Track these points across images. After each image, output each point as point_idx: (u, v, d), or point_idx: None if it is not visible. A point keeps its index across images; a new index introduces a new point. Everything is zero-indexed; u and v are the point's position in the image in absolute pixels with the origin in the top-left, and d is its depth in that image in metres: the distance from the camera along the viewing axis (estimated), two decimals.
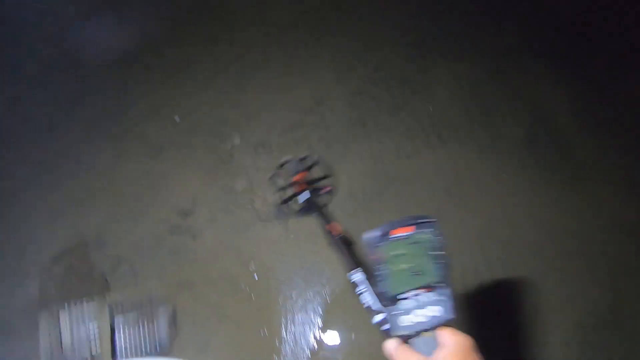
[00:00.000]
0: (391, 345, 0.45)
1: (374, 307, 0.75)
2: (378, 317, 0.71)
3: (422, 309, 0.44)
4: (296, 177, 1.59)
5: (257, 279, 1.53)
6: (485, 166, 1.74)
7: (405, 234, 0.44)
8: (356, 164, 1.77)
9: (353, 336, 1.41)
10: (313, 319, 1.46)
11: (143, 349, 1.31)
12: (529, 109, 1.89)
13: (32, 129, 2.00)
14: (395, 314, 0.44)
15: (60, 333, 1.26)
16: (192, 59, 2.14)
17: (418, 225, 0.45)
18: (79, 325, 1.29)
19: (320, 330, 1.45)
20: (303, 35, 2.18)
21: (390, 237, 0.45)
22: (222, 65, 2.13)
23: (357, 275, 0.90)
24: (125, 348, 1.32)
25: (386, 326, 0.61)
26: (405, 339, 0.44)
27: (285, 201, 1.60)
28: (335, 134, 1.87)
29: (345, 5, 2.28)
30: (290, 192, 1.61)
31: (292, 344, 1.42)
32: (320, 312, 1.47)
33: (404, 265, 0.44)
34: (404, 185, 1.70)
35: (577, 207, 1.64)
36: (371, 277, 0.43)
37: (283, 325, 1.45)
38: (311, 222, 1.63)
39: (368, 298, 0.79)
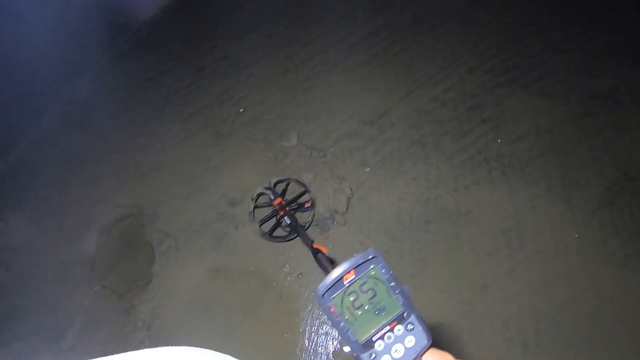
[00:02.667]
0: None
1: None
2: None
3: (398, 343, 0.42)
4: (275, 203, 1.59)
5: (289, 281, 1.55)
6: (553, 216, 1.59)
7: (351, 278, 0.42)
8: (409, 185, 1.71)
9: None
10: (336, 334, 1.44)
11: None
12: (615, 162, 1.69)
13: (111, 102, 2.19)
14: (373, 358, 0.42)
15: None
16: (265, 54, 2.21)
17: (358, 267, 0.43)
18: None
19: (340, 345, 1.42)
20: (378, 47, 2.15)
21: (345, 282, 0.42)
22: (293, 64, 2.17)
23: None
24: None
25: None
26: None
27: (271, 231, 1.59)
28: (391, 150, 1.82)
29: (428, 21, 2.21)
30: (272, 220, 1.61)
31: (312, 353, 1.42)
32: None
33: (365, 307, 0.42)
34: (455, 217, 1.61)
35: None
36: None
37: (307, 333, 1.45)
38: (351, 235, 1.61)
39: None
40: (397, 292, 0.43)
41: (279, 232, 1.61)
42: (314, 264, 1.56)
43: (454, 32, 2.17)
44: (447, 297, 1.45)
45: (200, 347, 1.48)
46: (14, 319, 1.61)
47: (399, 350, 0.43)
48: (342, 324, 0.42)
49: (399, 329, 0.43)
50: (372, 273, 0.43)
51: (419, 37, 2.16)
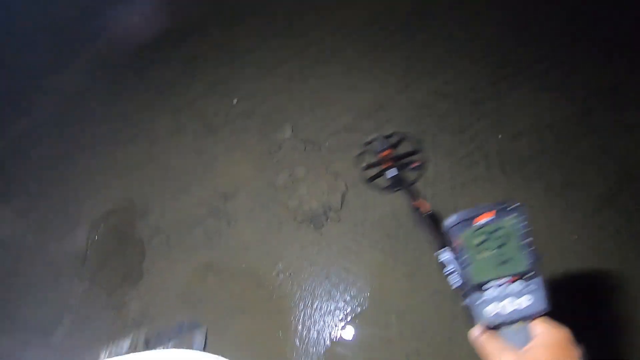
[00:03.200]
0: (478, 333, 0.43)
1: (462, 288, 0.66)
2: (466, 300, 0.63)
3: (513, 298, 0.41)
4: (383, 154, 1.60)
5: (281, 280, 1.52)
6: (551, 216, 1.55)
7: (487, 219, 0.41)
8: None
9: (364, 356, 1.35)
10: (328, 334, 1.43)
11: None
12: (616, 161, 1.64)
13: (100, 93, 2.13)
14: (480, 303, 0.41)
15: None
16: (260, 44, 2.14)
17: (501, 210, 0.41)
18: None
19: (333, 344, 1.41)
20: (377, 37, 2.07)
21: (474, 224, 0.42)
22: (288, 55, 2.10)
23: (445, 255, 0.82)
24: None
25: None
26: (494, 328, 0.42)
27: (373, 178, 1.61)
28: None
29: (427, 12, 2.13)
30: (377, 169, 1.63)
31: (303, 352, 1.40)
32: (337, 327, 1.43)
33: (488, 253, 0.41)
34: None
35: None
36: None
37: (298, 333, 1.43)
38: (345, 233, 1.58)
39: (456, 279, 0.73)
40: (529, 249, 0.41)
41: (381, 183, 1.62)
42: (308, 263, 1.53)
43: (455, 22, 2.09)
44: (442, 298, 1.43)
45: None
46: (3, 313, 1.59)
47: (509, 304, 0.41)
48: (465, 257, 0.41)
49: (519, 285, 0.41)
50: (510, 223, 0.41)
51: (419, 27, 2.08)
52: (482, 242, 0.41)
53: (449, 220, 0.41)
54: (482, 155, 1.70)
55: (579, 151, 1.68)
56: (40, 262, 1.66)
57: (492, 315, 0.41)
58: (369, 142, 1.68)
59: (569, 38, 2.00)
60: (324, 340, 1.42)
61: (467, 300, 0.41)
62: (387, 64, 1.99)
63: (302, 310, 1.46)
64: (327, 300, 1.46)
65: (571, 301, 1.40)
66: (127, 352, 1.17)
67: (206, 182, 1.77)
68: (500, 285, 0.41)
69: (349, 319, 1.42)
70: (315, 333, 1.43)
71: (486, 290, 0.41)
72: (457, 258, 0.42)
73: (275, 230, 1.62)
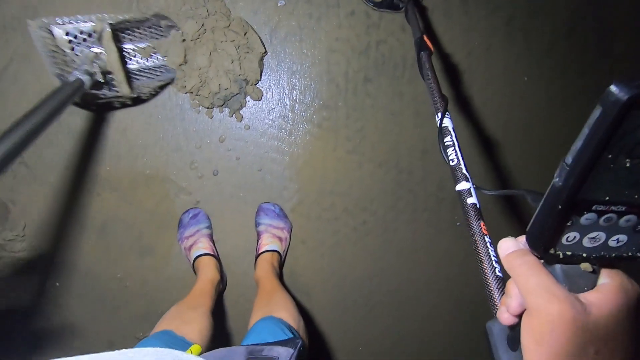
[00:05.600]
0: (515, 249, 0.31)
1: (463, 170, 0.53)
2: (464, 185, 0.51)
3: (608, 233, 0.29)
4: None
5: (203, 182, 1.24)
6: (507, 58, 1.33)
7: None
8: (342, 27, 1.22)
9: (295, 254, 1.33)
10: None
11: (155, 76, 1.08)
12: None
13: None
14: (564, 226, 0.28)
15: (60, 50, 0.91)
16: None
17: None
18: (81, 45, 0.92)
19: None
20: None
21: None
22: None
23: (447, 120, 0.59)
24: (138, 71, 1.04)
25: (473, 200, 0.49)
26: (555, 262, 0.30)
27: None
28: None
29: None
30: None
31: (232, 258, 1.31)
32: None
33: (633, 163, 0.26)
34: (401, 70, 1.27)
35: None
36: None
37: (225, 241, 1.29)
38: (270, 111, 1.22)
39: (456, 155, 0.55)
40: None
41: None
42: (233, 157, 1.23)
43: None
44: (387, 169, 1.32)
45: (117, 272, 1.19)
46: None
47: (595, 239, 0.28)
48: (599, 158, 0.24)
49: (629, 219, 0.28)
50: None
51: None
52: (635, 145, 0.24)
53: (635, 85, 0.22)
54: None
55: None
56: None
57: (569, 244, 0.28)
58: None
59: None
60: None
61: (546, 216, 0.27)
62: None
63: (236, 211, 1.27)
64: (263, 196, 1.27)
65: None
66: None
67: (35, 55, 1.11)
68: (606, 212, 0.27)
69: (291, 204, 1.29)
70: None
71: (587, 212, 0.27)
72: (592, 151, 0.24)
73: (178, 124, 1.19)
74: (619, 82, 0.22)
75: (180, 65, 1.09)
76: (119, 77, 0.98)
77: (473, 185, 0.50)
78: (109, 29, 0.93)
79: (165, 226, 1.24)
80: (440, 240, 1.39)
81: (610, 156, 0.25)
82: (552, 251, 0.28)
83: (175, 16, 1.08)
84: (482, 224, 0.44)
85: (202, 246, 1.18)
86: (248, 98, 1.20)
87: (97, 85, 0.95)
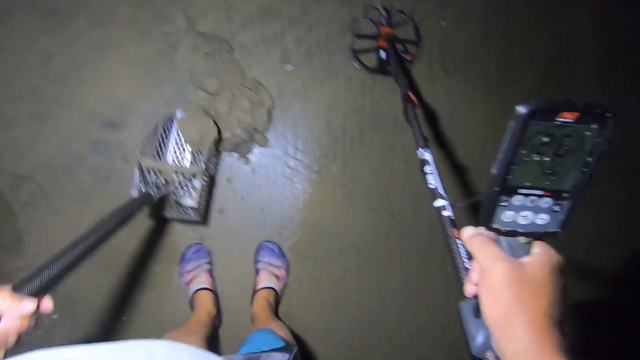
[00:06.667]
0: (474, 232, 0.42)
1: (439, 191, 0.68)
2: (440, 202, 0.65)
3: (534, 212, 0.39)
4: (383, 30, 1.38)
5: (210, 217, 1.32)
6: (486, 115, 1.52)
7: (569, 119, 0.34)
8: (341, 89, 1.42)
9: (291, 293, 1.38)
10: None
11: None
12: (552, 46, 1.58)
13: None
14: (501, 205, 0.38)
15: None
16: None
17: (587, 114, 0.34)
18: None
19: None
20: None
21: (557, 119, 0.34)
22: None
23: (427, 154, 0.77)
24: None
25: (448, 213, 0.61)
26: (497, 234, 0.40)
27: (359, 52, 1.41)
28: (319, 38, 1.41)
29: None
30: (369, 44, 1.42)
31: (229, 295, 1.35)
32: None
33: (543, 158, 0.36)
34: (392, 125, 1.44)
35: None
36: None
37: (236, 267, 1.34)
38: (276, 157, 1.36)
39: (434, 180, 0.71)
40: (584, 170, 0.36)
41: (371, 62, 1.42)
42: (238, 196, 1.33)
43: None
44: (379, 213, 1.42)
45: (113, 306, 1.18)
46: None
47: (526, 216, 0.38)
48: (521, 152, 0.35)
49: (548, 201, 0.38)
50: (588, 133, 0.35)
51: None
52: (546, 143, 0.35)
53: (532, 103, 0.33)
54: (424, 49, 1.48)
55: (521, 37, 1.57)
56: None
57: (507, 221, 0.38)
58: (370, 11, 1.42)
59: None
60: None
61: (489, 198, 0.37)
62: None
63: (237, 248, 1.34)
64: (264, 234, 1.35)
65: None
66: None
67: (74, 104, 1.27)
68: (529, 195, 0.38)
69: (290, 243, 1.36)
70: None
71: (516, 196, 0.38)
72: (510, 149, 0.35)
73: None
74: (522, 103, 0.34)
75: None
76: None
77: (447, 202, 0.62)
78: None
79: (169, 261, 1.30)
80: (432, 284, 1.44)
81: (524, 152, 0.36)
82: (495, 226, 0.39)
83: (193, 70, 1.27)
84: (455, 231, 0.55)
85: (202, 280, 1.23)
86: (255, 145, 1.34)
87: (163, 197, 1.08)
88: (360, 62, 1.40)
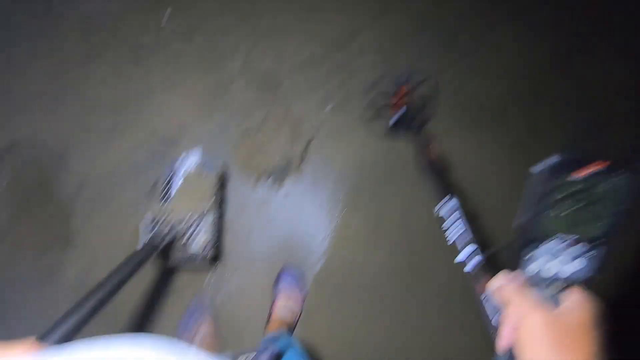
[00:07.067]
0: (504, 282, 0.40)
1: (462, 242, 0.66)
2: (464, 255, 0.65)
3: (566, 260, 0.38)
4: (401, 91, 1.43)
5: (232, 238, 1.41)
6: (514, 173, 1.55)
7: (591, 172, 0.35)
8: (376, 128, 1.52)
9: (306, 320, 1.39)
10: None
11: None
12: (580, 114, 1.62)
13: None
14: (531, 256, 0.38)
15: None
16: None
17: (614, 167, 0.35)
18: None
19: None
20: None
21: (572, 176, 0.35)
22: None
23: (446, 208, 0.73)
24: None
25: (473, 266, 0.61)
26: (528, 284, 0.40)
27: (377, 114, 1.47)
28: (358, 85, 1.55)
29: None
30: (387, 106, 1.47)
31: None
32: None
33: (568, 209, 0.36)
34: (419, 169, 1.51)
35: None
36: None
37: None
38: (308, 187, 1.45)
39: (457, 233, 0.69)
40: (614, 219, 0.36)
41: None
42: (266, 220, 1.42)
43: None
44: (401, 250, 1.44)
45: (142, 313, 1.26)
46: None
47: (557, 264, 0.38)
48: (542, 205, 0.36)
49: (579, 248, 0.38)
50: (614, 184, 0.35)
51: None
52: (568, 196, 0.36)
53: (550, 161, 0.35)
54: (457, 102, 1.58)
55: (551, 101, 1.63)
56: None
57: (537, 271, 0.38)
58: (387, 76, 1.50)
59: None
60: None
61: (520, 246, 0.38)
62: None
63: (261, 268, 1.40)
64: (288, 258, 1.41)
65: None
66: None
67: (141, 122, 1.47)
68: (560, 244, 0.38)
69: (313, 271, 1.40)
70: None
71: (544, 244, 0.38)
72: (540, 199, 0.36)
73: (228, 185, 1.44)
74: (535, 166, 0.37)
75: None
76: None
77: (473, 253, 0.62)
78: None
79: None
80: (452, 331, 1.39)
81: (554, 202, 0.37)
82: (528, 274, 0.39)
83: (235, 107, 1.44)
84: (482, 283, 0.56)
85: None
86: (291, 173, 1.45)
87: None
88: (380, 120, 1.48)
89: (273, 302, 1.33)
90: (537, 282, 0.39)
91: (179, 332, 1.27)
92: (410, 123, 1.40)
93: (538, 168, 0.36)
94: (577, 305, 0.37)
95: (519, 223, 0.38)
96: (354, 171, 1.48)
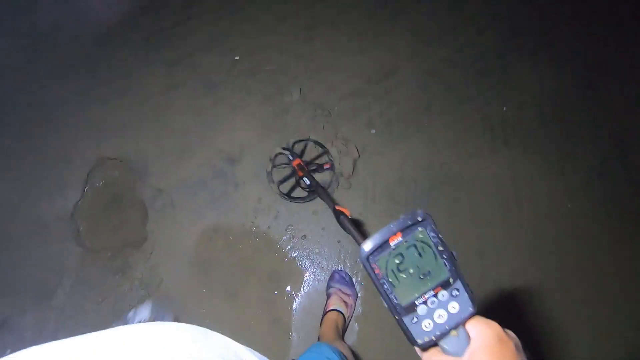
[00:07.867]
0: (420, 352, 0.44)
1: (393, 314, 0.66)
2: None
3: (441, 309, 0.41)
4: (294, 164, 1.53)
5: (292, 243, 1.53)
6: (548, 186, 1.65)
7: (400, 239, 0.40)
8: (413, 150, 1.69)
9: (356, 326, 1.43)
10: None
11: None
12: (611, 135, 1.75)
13: (82, 36, 1.91)
14: (415, 322, 0.41)
15: None
16: None
17: (411, 227, 0.41)
18: None
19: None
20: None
21: (391, 244, 0.40)
22: (291, 10, 1.97)
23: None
24: None
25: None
26: (433, 344, 0.42)
27: (290, 192, 1.57)
28: (397, 112, 1.76)
29: None
30: (291, 181, 1.59)
31: (301, 314, 1.44)
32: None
33: (408, 272, 0.41)
34: (458, 184, 1.63)
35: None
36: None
37: (308, 295, 1.47)
38: (355, 199, 1.59)
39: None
40: (444, 257, 0.41)
41: (299, 192, 1.57)
42: (318, 228, 1.55)
43: None
44: None
45: (201, 308, 1.43)
46: None
47: (441, 315, 0.41)
48: (385, 286, 0.41)
49: (443, 294, 0.41)
50: (420, 236, 0.41)
51: None
52: (400, 262, 0.41)
53: (366, 249, 0.40)
54: (488, 126, 1.75)
55: (578, 123, 1.77)
56: (30, 223, 1.54)
57: (427, 331, 0.41)
58: (275, 157, 1.63)
59: (572, 12, 2.03)
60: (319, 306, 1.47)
61: (401, 324, 0.41)
62: (396, 29, 1.94)
63: (314, 272, 1.49)
64: (338, 264, 1.50)
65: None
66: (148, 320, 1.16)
67: (208, 144, 1.69)
68: (426, 300, 0.41)
69: (360, 277, 1.48)
70: (314, 298, 1.47)
71: (416, 308, 0.41)
72: (379, 287, 0.41)
73: (284, 201, 1.60)
74: (362, 246, 0.40)
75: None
76: None
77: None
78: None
79: (252, 275, 1.48)
80: None
81: (391, 279, 0.41)
82: (425, 339, 0.41)
83: (293, 128, 1.65)
84: None
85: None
86: (340, 186, 1.61)
87: None
88: (292, 197, 1.56)
89: (327, 301, 1.39)
90: (435, 340, 0.41)
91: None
92: (314, 188, 1.40)
93: (364, 254, 0.40)
94: (477, 342, 0.40)
95: (384, 306, 0.41)
96: (397, 183, 1.62)
